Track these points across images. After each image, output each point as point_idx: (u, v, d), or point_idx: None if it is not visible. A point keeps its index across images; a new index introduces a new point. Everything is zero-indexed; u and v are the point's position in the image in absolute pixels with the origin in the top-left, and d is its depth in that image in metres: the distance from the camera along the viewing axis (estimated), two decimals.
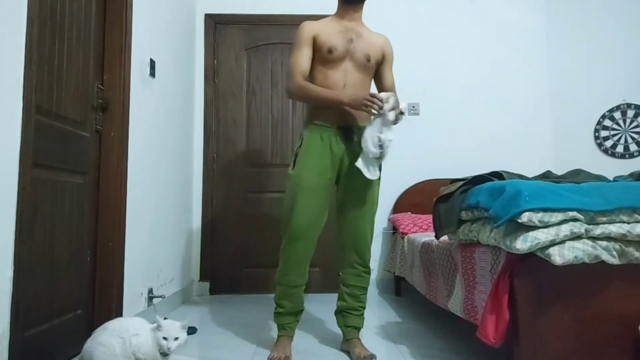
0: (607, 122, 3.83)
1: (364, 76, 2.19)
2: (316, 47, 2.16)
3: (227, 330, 2.59)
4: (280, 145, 3.84)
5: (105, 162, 2.27)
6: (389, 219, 3.74)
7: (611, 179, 1.97)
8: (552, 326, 1.55)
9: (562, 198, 1.55)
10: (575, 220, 1.55)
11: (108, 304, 2.23)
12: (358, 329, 2.20)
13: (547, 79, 4.02)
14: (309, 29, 2.17)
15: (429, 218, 3.16)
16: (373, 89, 2.33)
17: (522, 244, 1.51)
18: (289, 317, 2.20)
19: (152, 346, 1.67)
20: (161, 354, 1.68)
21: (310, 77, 2.19)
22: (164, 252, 2.98)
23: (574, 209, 1.55)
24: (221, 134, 3.85)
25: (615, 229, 1.56)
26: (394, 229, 3.62)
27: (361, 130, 2.14)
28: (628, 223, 1.58)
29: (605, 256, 1.53)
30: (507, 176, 1.90)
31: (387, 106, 1.95)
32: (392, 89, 2.30)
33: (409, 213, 3.60)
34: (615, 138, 3.81)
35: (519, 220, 1.53)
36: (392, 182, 3.71)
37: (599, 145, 3.85)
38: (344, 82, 2.14)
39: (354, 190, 2.16)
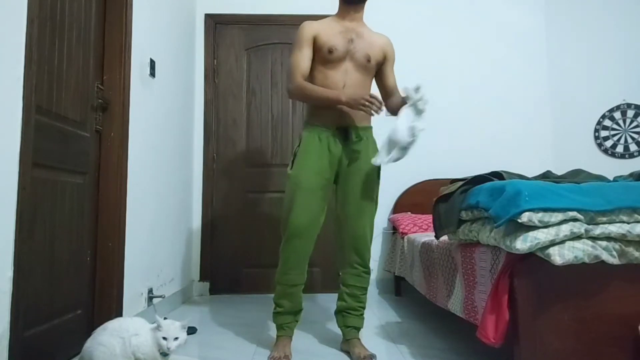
0: (607, 122, 3.83)
1: (364, 76, 2.19)
2: (316, 47, 2.16)
3: (227, 330, 2.59)
4: (280, 145, 3.84)
5: (105, 162, 2.27)
6: (389, 219, 3.74)
7: (611, 179, 1.97)
8: (552, 326, 1.55)
9: (562, 198, 1.55)
10: (575, 220, 1.55)
11: (108, 304, 2.23)
12: (358, 329, 2.20)
13: (547, 79, 4.02)
14: (309, 29, 2.17)
15: (429, 218, 3.16)
16: (374, 89, 2.34)
17: (522, 244, 1.51)
18: (288, 316, 2.20)
19: (152, 346, 1.67)
20: (161, 354, 1.68)
21: (311, 77, 2.20)
22: (164, 252, 2.98)
23: (574, 209, 1.55)
24: (221, 134, 3.85)
25: (615, 229, 1.56)
26: (394, 229, 3.62)
27: (359, 131, 2.15)
28: (628, 223, 1.58)
29: (605, 256, 1.53)
30: (507, 176, 1.90)
31: (418, 95, 1.96)
32: (394, 89, 2.31)
33: (409, 213, 3.60)
34: (615, 138, 3.81)
35: (519, 220, 1.53)
36: (392, 182, 3.71)
37: (599, 145, 3.85)
38: (343, 82, 2.14)
39: (353, 191, 2.16)
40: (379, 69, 2.29)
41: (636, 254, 1.57)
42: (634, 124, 3.77)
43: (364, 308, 2.23)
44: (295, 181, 2.12)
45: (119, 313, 2.26)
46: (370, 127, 2.25)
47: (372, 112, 1.97)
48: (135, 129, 2.43)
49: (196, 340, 2.38)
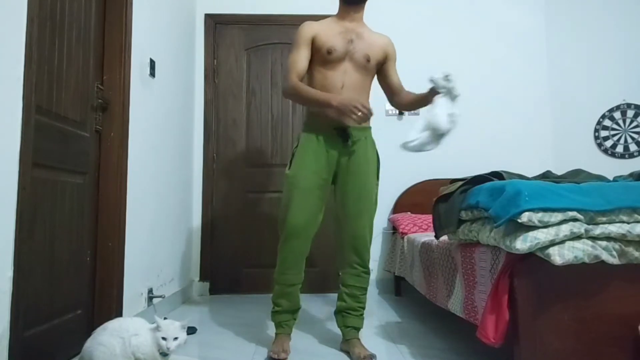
0: (607, 122, 3.83)
1: (363, 77, 2.20)
2: (315, 47, 2.17)
3: (227, 330, 2.59)
4: (280, 145, 3.84)
5: (105, 162, 2.27)
6: (389, 219, 3.74)
7: (611, 179, 1.97)
8: (552, 326, 1.55)
9: (562, 198, 1.55)
10: (575, 220, 1.55)
11: (108, 304, 2.23)
12: (357, 329, 2.20)
13: (547, 79, 4.02)
14: (308, 30, 2.18)
15: (428, 218, 3.16)
16: (374, 89, 2.34)
17: (522, 244, 1.51)
18: (286, 315, 2.22)
19: (151, 346, 1.67)
20: (161, 354, 1.68)
21: (310, 77, 2.21)
22: (164, 252, 2.98)
23: (573, 209, 1.55)
24: (221, 134, 3.85)
25: (615, 229, 1.56)
26: (393, 229, 3.62)
27: (358, 131, 2.15)
28: (628, 223, 1.58)
29: (605, 256, 1.53)
30: (507, 176, 1.90)
31: (451, 83, 1.99)
32: (399, 87, 2.32)
33: (409, 213, 3.60)
34: (615, 138, 3.81)
35: (519, 220, 1.53)
36: (392, 182, 3.71)
37: (599, 145, 3.85)
38: (342, 82, 2.14)
39: (352, 191, 2.17)
40: (381, 69, 2.29)
41: (636, 254, 1.57)
42: (634, 124, 3.77)
43: (363, 308, 2.23)
44: (292, 181, 2.14)
45: (119, 313, 2.26)
46: (369, 128, 2.25)
47: (360, 120, 1.98)
48: (135, 129, 2.43)
49: (196, 340, 2.38)
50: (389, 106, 3.85)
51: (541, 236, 1.50)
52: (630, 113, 3.78)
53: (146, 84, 2.65)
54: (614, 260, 1.55)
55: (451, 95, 2.02)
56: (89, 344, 1.67)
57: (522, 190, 1.55)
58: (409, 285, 3.05)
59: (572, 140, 3.90)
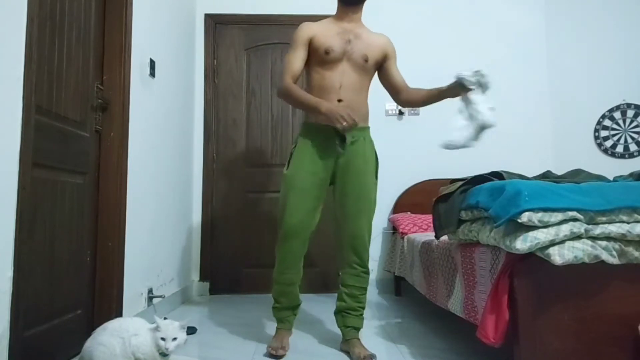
0: (607, 122, 3.83)
1: (362, 77, 2.21)
2: (313, 48, 2.18)
3: (227, 330, 2.59)
4: (280, 145, 3.84)
5: (105, 162, 2.27)
6: (389, 219, 3.74)
7: (611, 179, 1.97)
8: (552, 326, 1.55)
9: (562, 198, 1.55)
10: (575, 220, 1.55)
11: (108, 304, 2.23)
12: (357, 329, 2.21)
13: (547, 79, 4.02)
14: (305, 31, 2.20)
15: (428, 218, 3.16)
16: (374, 89, 2.34)
17: (522, 244, 1.51)
18: (286, 311, 2.26)
19: (151, 346, 1.67)
20: (160, 354, 1.68)
21: (308, 77, 2.23)
22: (164, 252, 2.98)
23: (573, 209, 1.55)
24: (221, 134, 3.85)
25: (615, 228, 1.56)
26: (393, 229, 3.62)
27: (356, 131, 2.15)
28: (628, 223, 1.58)
29: (605, 256, 1.53)
30: (507, 176, 1.90)
31: (484, 78, 2.02)
32: (403, 85, 2.33)
33: (409, 213, 3.60)
34: (615, 138, 3.81)
35: (519, 220, 1.53)
36: (392, 182, 3.71)
37: (599, 145, 3.85)
38: (340, 83, 2.15)
39: (351, 191, 2.18)
40: (382, 68, 2.30)
41: (636, 253, 1.57)
42: (634, 124, 3.77)
43: (363, 308, 2.23)
44: (289, 181, 2.15)
45: (119, 313, 2.26)
46: (368, 128, 2.26)
47: (345, 130, 1.99)
48: (135, 129, 2.43)
49: (196, 340, 2.38)
50: (389, 106, 3.86)
51: (541, 236, 1.50)
52: (630, 113, 3.78)
53: (146, 84, 2.65)
54: (614, 260, 1.55)
55: (483, 89, 2.03)
56: (89, 344, 1.67)
57: (522, 190, 1.55)
58: (409, 285, 3.05)
59: (572, 140, 3.90)
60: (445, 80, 4.16)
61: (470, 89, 2.02)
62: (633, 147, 3.76)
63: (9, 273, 1.51)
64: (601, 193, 1.60)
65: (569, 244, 1.52)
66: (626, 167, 3.29)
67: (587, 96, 3.87)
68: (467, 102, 2.04)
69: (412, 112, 3.87)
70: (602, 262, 1.53)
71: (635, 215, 1.58)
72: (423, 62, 3.88)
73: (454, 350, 2.18)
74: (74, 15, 2.02)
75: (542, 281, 1.57)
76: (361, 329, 2.23)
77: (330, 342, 2.31)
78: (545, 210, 1.52)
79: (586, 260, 1.51)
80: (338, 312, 2.24)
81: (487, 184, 1.79)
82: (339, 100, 2.14)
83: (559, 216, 1.53)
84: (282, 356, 2.07)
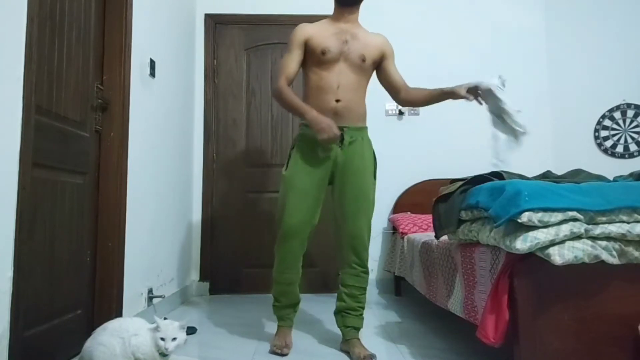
0: (607, 122, 3.83)
1: (359, 77, 2.21)
2: (310, 49, 2.20)
3: (227, 330, 2.59)
4: (280, 145, 3.84)
5: (105, 162, 2.27)
6: (389, 219, 3.74)
7: (611, 179, 1.97)
8: (552, 326, 1.55)
9: (562, 198, 1.55)
10: (575, 220, 1.54)
11: (108, 304, 2.23)
12: (357, 329, 2.21)
13: (547, 79, 4.02)
14: (301, 32, 2.22)
15: (428, 218, 3.16)
16: (374, 89, 2.34)
17: (522, 243, 1.50)
18: (287, 309, 2.28)
19: (151, 346, 1.67)
20: (160, 354, 1.68)
21: (306, 78, 2.26)
22: (164, 252, 2.98)
23: (573, 209, 1.54)
24: (221, 134, 3.85)
25: (615, 228, 1.56)
26: (393, 229, 3.62)
27: (354, 131, 2.17)
28: (628, 223, 1.57)
29: (605, 256, 1.53)
30: (507, 176, 1.90)
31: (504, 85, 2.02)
32: (402, 84, 2.34)
33: (409, 213, 3.60)
34: (615, 138, 3.81)
35: (519, 220, 1.53)
36: (392, 182, 3.71)
37: (599, 145, 3.84)
38: (338, 83, 2.16)
39: (349, 191, 2.18)
40: (380, 68, 2.31)
41: (636, 253, 1.57)
42: (634, 124, 3.76)
43: (363, 308, 2.23)
44: (288, 182, 2.17)
45: (119, 313, 2.26)
46: (365, 127, 2.27)
47: (326, 143, 2.04)
48: (135, 129, 2.43)
49: (196, 340, 2.38)
50: (389, 106, 3.86)
51: (541, 236, 1.50)
52: (630, 113, 3.78)
53: (146, 84, 2.65)
54: (614, 260, 1.54)
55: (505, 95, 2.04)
56: (89, 344, 1.67)
57: (522, 190, 1.55)
58: (409, 285, 3.05)
59: (572, 140, 3.90)
60: (444, 80, 4.16)
61: (499, 99, 2.02)
62: (633, 147, 3.76)
63: (9, 273, 1.51)
64: (601, 193, 1.60)
65: (569, 244, 1.52)
66: (626, 167, 3.29)
67: (587, 96, 3.87)
68: (501, 111, 2.02)
69: (412, 112, 3.87)
70: (602, 262, 1.53)
71: (635, 215, 1.58)
72: (423, 62, 3.89)
73: (454, 350, 2.18)
74: (74, 15, 2.02)
75: (542, 281, 1.57)
76: (361, 329, 2.23)
77: (330, 342, 2.31)
78: (545, 210, 1.52)
79: (586, 260, 1.51)
80: (338, 312, 2.24)
81: (487, 184, 1.79)
82: (337, 101, 2.15)
83: (559, 216, 1.52)
84: (287, 354, 2.10)
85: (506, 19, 4.01)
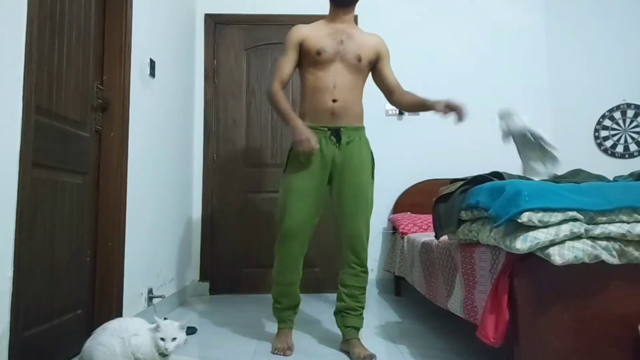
0: (607, 122, 3.83)
1: (355, 77, 2.22)
2: (305, 50, 2.21)
3: (227, 330, 2.59)
4: (280, 145, 3.84)
5: (105, 162, 2.27)
6: (389, 219, 3.74)
7: (611, 179, 1.97)
8: (552, 326, 1.55)
9: (562, 198, 1.55)
10: (575, 220, 1.54)
11: (108, 304, 2.23)
12: (357, 329, 2.21)
13: (547, 78, 4.02)
14: (296, 34, 2.24)
15: (428, 218, 3.16)
16: (374, 89, 2.34)
17: (522, 243, 1.50)
18: (287, 311, 2.28)
19: (151, 346, 1.67)
20: (160, 354, 1.68)
21: (302, 79, 2.27)
22: (164, 252, 2.98)
23: (573, 209, 1.54)
24: (221, 134, 3.85)
25: (615, 228, 1.56)
26: (393, 229, 3.62)
27: (351, 131, 2.19)
28: (628, 223, 1.57)
29: (605, 256, 1.53)
30: (507, 176, 1.90)
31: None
32: (396, 84, 2.35)
33: (409, 213, 3.60)
34: (615, 138, 3.81)
35: (519, 220, 1.53)
36: (392, 182, 3.71)
37: (599, 145, 3.85)
38: (334, 83, 2.17)
39: (347, 191, 2.19)
40: (375, 68, 2.32)
41: (636, 253, 1.57)
42: (634, 124, 3.77)
43: (363, 308, 2.24)
44: (287, 184, 2.19)
45: (119, 313, 2.26)
46: (363, 127, 2.28)
47: (303, 155, 2.11)
48: (135, 129, 2.43)
49: (196, 340, 2.38)
50: (389, 106, 3.85)
51: (541, 236, 1.50)
52: (630, 113, 3.78)
53: (146, 84, 2.65)
54: (614, 260, 1.54)
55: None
56: (89, 344, 1.67)
57: (522, 190, 1.55)
58: (409, 285, 3.05)
59: (572, 140, 3.89)
60: (444, 79, 4.17)
61: (451, 109, 2.03)
62: (633, 147, 3.77)
63: (9, 273, 1.51)
64: (601, 193, 1.60)
65: (569, 244, 1.52)
66: (626, 167, 3.29)
67: (587, 96, 3.87)
68: (531, 143, 2.00)
69: (413, 112, 3.86)
70: (602, 262, 1.53)
71: (635, 215, 1.58)
72: (423, 61, 3.89)
73: (454, 350, 2.18)
74: (74, 15, 2.02)
75: (542, 281, 1.57)
76: (361, 329, 2.23)
77: (330, 342, 2.31)
78: (545, 210, 1.52)
79: (586, 260, 1.51)
80: (338, 312, 2.24)
81: (487, 184, 1.79)
82: (334, 101, 2.16)
83: (559, 216, 1.52)
84: (289, 356, 2.09)
85: (506, 19, 4.01)
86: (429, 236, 2.71)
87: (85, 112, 2.13)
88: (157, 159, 2.86)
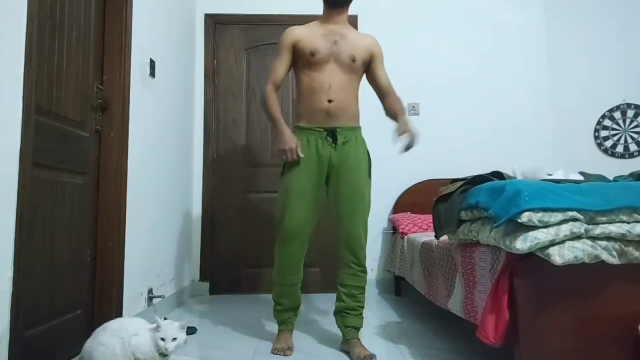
0: (607, 122, 3.83)
1: (350, 77, 2.23)
2: (298, 51, 2.22)
3: (227, 330, 2.59)
4: None
5: (105, 162, 2.27)
6: (389, 219, 3.74)
7: (611, 179, 1.97)
8: (552, 326, 1.55)
9: (562, 198, 1.55)
10: (575, 220, 1.54)
11: (108, 304, 2.23)
12: (357, 329, 2.21)
13: (547, 79, 4.02)
14: (289, 36, 2.25)
15: (428, 218, 3.16)
16: (370, 88, 2.35)
17: (522, 243, 1.50)
18: (288, 312, 2.27)
19: (151, 346, 1.67)
20: (160, 354, 1.68)
21: (297, 80, 2.28)
22: (164, 252, 2.98)
23: (573, 209, 1.54)
24: (221, 134, 3.85)
25: (615, 228, 1.56)
26: (393, 229, 3.62)
27: (347, 131, 2.20)
28: (628, 223, 1.57)
29: (605, 256, 1.53)
30: (507, 176, 1.90)
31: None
32: (388, 87, 2.35)
33: (409, 213, 3.60)
34: (615, 138, 3.81)
35: (519, 220, 1.53)
36: (392, 182, 3.71)
37: (599, 145, 3.85)
38: (329, 83, 2.18)
39: (344, 191, 2.20)
40: (368, 69, 2.32)
41: (636, 253, 1.57)
42: (634, 124, 3.77)
43: (362, 308, 2.24)
44: (286, 185, 2.19)
45: (119, 313, 2.26)
46: (359, 127, 2.28)
47: (285, 159, 2.15)
48: (135, 129, 2.43)
49: (196, 340, 2.38)
50: None
51: (541, 236, 1.50)
52: (630, 113, 3.78)
53: (146, 84, 2.65)
54: (614, 260, 1.54)
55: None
56: (89, 344, 1.67)
57: (522, 190, 1.55)
58: (409, 285, 3.05)
59: (572, 140, 3.90)
60: (444, 79, 4.16)
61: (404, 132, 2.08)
62: (633, 147, 3.77)
63: (9, 273, 1.51)
64: (601, 193, 1.60)
65: (569, 244, 1.52)
66: (626, 167, 3.29)
67: (587, 96, 3.87)
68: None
69: (412, 112, 3.87)
70: (602, 262, 1.53)
71: (635, 215, 1.58)
72: (423, 62, 3.89)
73: (454, 350, 2.18)
74: (74, 15, 2.02)
75: (542, 281, 1.57)
76: (361, 329, 2.23)
77: (330, 342, 2.31)
78: (545, 210, 1.52)
79: (586, 260, 1.51)
80: (337, 312, 2.24)
81: (487, 184, 1.79)
82: (330, 101, 2.17)
83: (559, 216, 1.52)
84: (289, 356, 2.10)
85: (506, 19, 4.01)
86: (429, 236, 2.71)
87: (85, 112, 2.13)
88: (157, 159, 2.86)
